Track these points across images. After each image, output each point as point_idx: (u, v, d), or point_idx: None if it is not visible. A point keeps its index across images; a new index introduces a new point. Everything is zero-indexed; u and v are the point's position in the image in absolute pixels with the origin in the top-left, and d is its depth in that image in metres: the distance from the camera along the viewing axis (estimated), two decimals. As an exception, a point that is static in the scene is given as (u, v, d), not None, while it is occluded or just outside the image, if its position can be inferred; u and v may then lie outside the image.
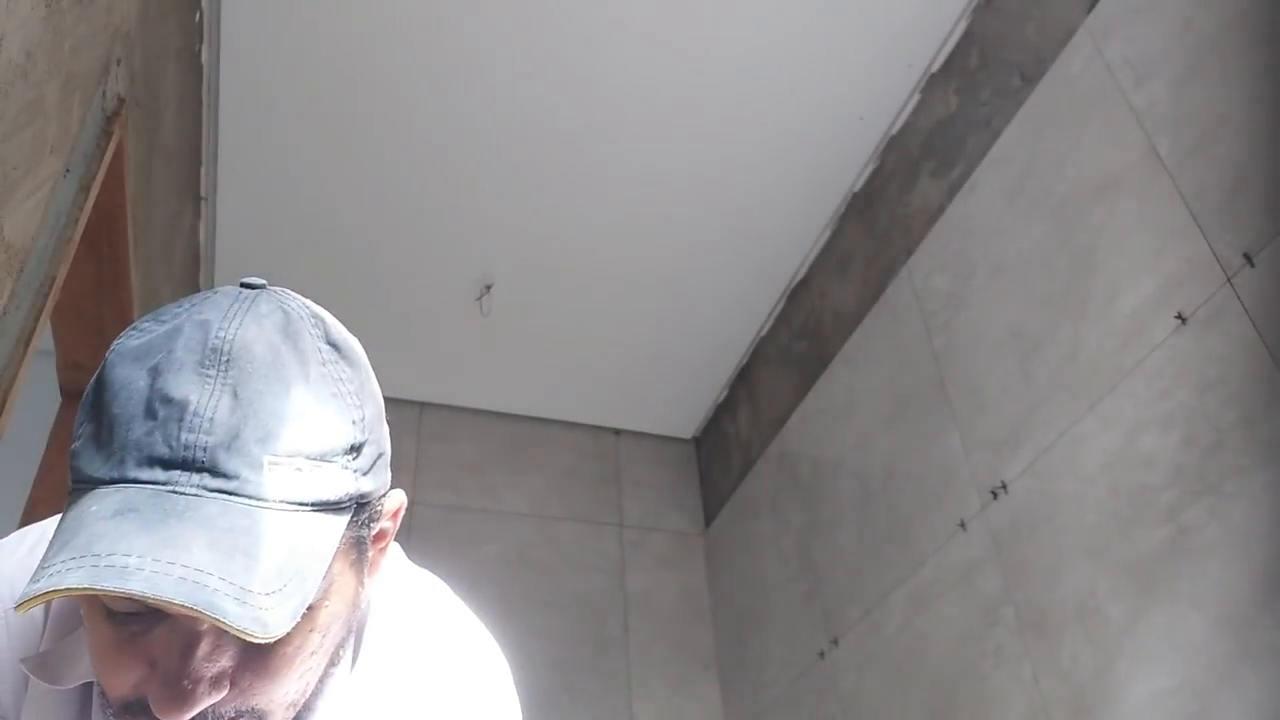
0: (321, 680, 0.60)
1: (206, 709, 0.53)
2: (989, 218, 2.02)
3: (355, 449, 0.57)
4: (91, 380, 0.56)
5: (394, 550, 0.70)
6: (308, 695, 0.59)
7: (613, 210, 2.53)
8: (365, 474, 0.57)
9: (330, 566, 0.55)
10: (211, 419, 0.52)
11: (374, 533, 0.61)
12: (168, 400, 0.52)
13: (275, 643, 0.52)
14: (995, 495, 1.89)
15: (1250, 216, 1.44)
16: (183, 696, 0.52)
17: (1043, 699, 1.70)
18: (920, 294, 2.21)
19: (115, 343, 0.57)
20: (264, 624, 0.49)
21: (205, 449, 0.51)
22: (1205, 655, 1.42)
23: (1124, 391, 1.63)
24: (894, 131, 2.38)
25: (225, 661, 0.53)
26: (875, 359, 2.36)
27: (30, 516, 1.67)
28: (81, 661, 0.63)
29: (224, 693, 0.53)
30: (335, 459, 0.55)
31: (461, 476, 3.01)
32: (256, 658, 0.54)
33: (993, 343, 1.96)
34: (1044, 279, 1.84)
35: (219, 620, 0.48)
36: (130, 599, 0.50)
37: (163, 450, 0.51)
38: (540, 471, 3.11)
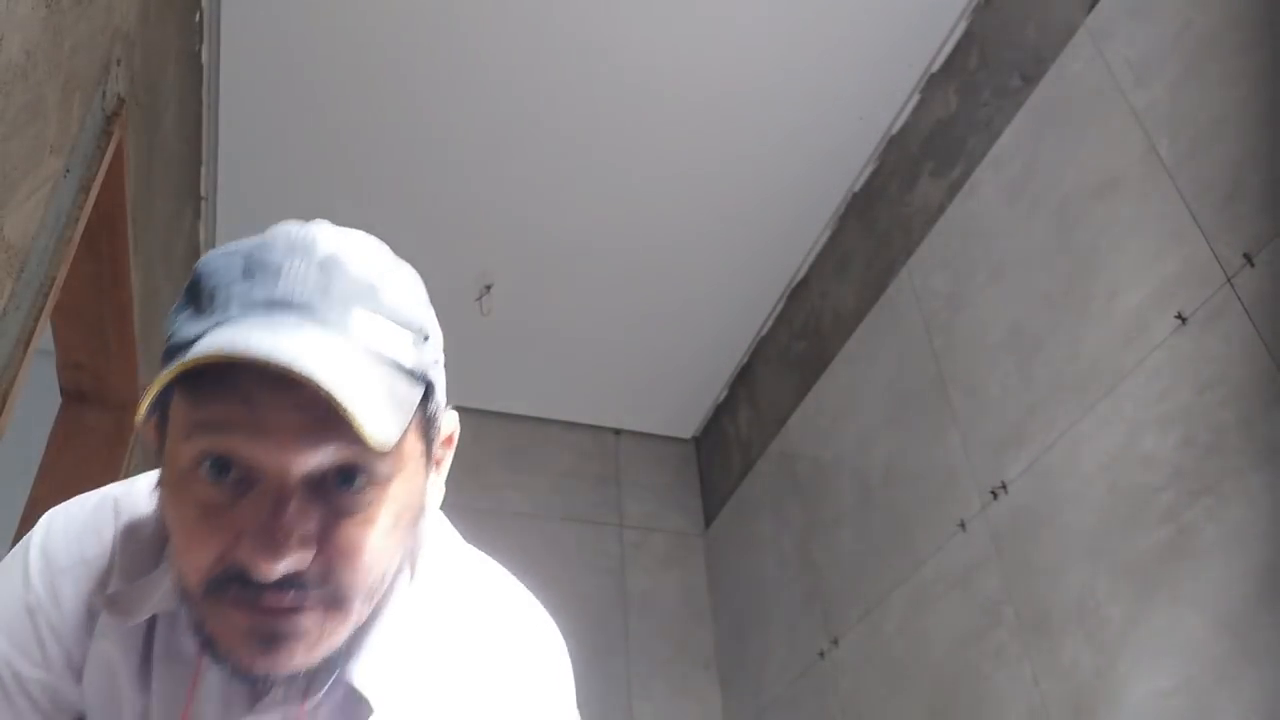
0: (389, 590, 0.63)
1: (292, 577, 0.55)
2: (989, 218, 2.02)
3: (425, 335, 0.62)
4: (185, 286, 0.61)
5: (446, 524, 0.75)
6: (379, 595, 0.61)
7: (613, 210, 2.54)
8: (434, 365, 0.63)
9: (405, 435, 0.58)
10: (304, 277, 0.57)
11: (436, 435, 0.65)
12: (264, 265, 0.57)
13: (357, 514, 0.57)
14: (995, 495, 1.89)
15: (1249, 217, 1.44)
16: (275, 546, 0.54)
17: (1042, 699, 1.70)
18: (920, 294, 2.21)
19: (203, 257, 0.61)
20: (382, 427, 0.53)
21: (301, 295, 0.56)
22: (1204, 655, 1.42)
23: (1124, 391, 1.63)
24: (894, 131, 2.38)
25: (311, 525, 0.56)
26: (875, 359, 2.36)
27: (30, 517, 1.67)
28: (152, 597, 0.66)
29: (311, 553, 0.56)
30: (411, 331, 0.60)
31: (462, 477, 2.98)
32: (339, 526, 0.57)
33: (993, 343, 1.96)
34: (1044, 279, 1.84)
35: (350, 408, 0.51)
36: (234, 450, 0.55)
37: (261, 295, 0.56)
38: (541, 472, 3.11)
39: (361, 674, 0.63)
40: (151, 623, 0.68)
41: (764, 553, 2.75)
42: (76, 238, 1.34)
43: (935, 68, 2.24)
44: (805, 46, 2.19)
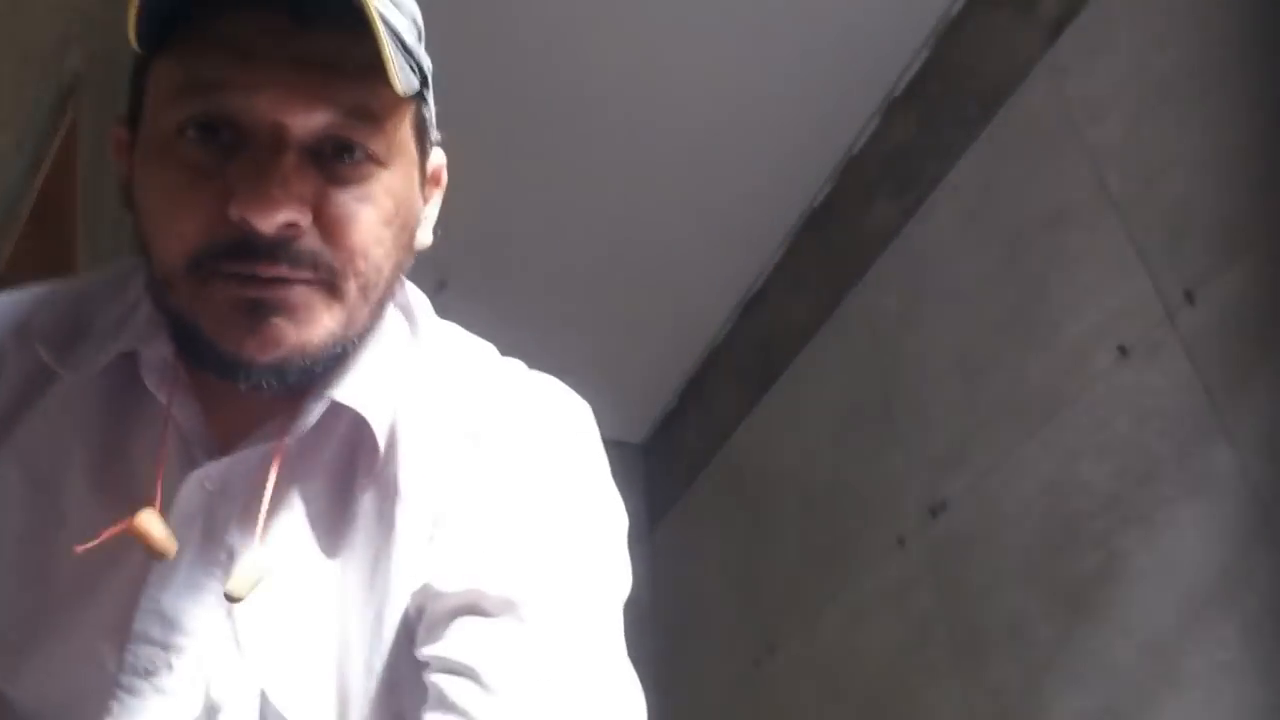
0: (381, 311, 0.60)
1: (287, 243, 0.52)
2: (942, 243, 2.06)
3: (422, 35, 0.59)
4: None
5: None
6: (373, 297, 0.57)
7: (572, 214, 2.54)
8: (428, 68, 0.60)
9: (402, 123, 0.56)
10: None
11: (429, 147, 0.63)
12: None
13: (354, 187, 0.54)
14: (934, 514, 1.93)
15: (1192, 256, 1.49)
16: (271, 198, 0.50)
17: (970, 716, 1.74)
18: (871, 313, 2.25)
19: None
20: (405, 74, 0.52)
21: None
22: (1130, 679, 1.46)
23: (1064, 419, 1.68)
24: (854, 153, 2.41)
25: (308, 186, 0.52)
26: (825, 375, 2.39)
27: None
28: (108, 327, 0.59)
29: (308, 216, 0.52)
30: (416, 23, 0.58)
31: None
32: (335, 196, 0.53)
33: (940, 365, 2.00)
34: (992, 306, 1.88)
35: (376, 22, 0.49)
36: (227, 107, 0.51)
37: None
38: (486, 470, 3.10)
39: (352, 392, 0.58)
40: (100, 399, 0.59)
41: (706, 561, 2.77)
42: (24, 215, 1.31)
43: (897, 92, 2.28)
44: (769, 64, 2.21)
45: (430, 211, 0.65)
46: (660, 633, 2.94)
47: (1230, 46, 1.50)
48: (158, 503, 0.54)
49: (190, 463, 0.57)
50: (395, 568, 0.57)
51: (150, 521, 0.53)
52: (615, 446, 3.41)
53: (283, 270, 0.52)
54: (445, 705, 0.51)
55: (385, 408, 0.59)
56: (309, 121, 0.52)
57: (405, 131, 0.57)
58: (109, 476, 0.58)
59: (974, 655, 1.76)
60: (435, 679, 0.52)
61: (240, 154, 0.52)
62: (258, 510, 0.55)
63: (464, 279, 2.72)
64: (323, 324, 0.54)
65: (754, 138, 2.37)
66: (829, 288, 2.44)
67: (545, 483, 0.61)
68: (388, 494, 0.58)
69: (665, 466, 3.19)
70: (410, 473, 0.59)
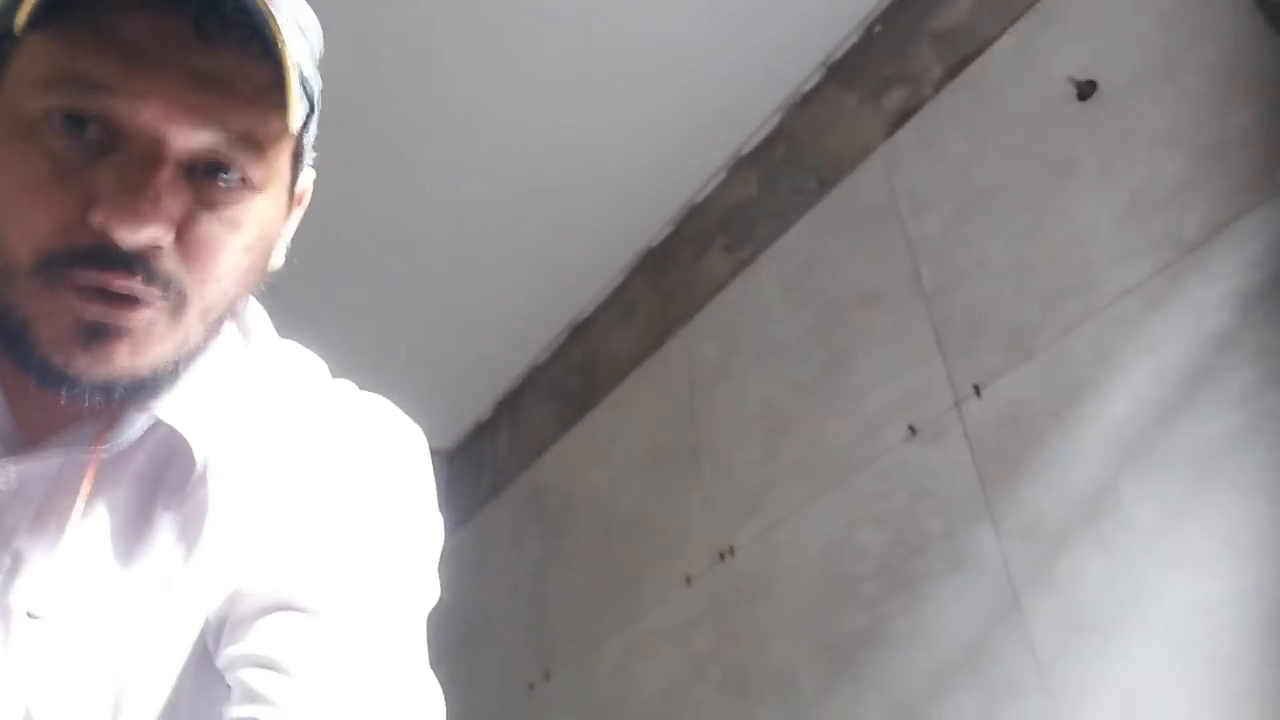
0: (220, 320, 0.57)
1: (145, 259, 0.49)
2: (764, 302, 2.15)
3: (316, 64, 0.58)
4: None
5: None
6: (213, 320, 0.55)
7: (406, 210, 2.50)
8: (318, 94, 0.58)
9: (282, 147, 0.54)
10: None
11: (300, 173, 0.61)
12: None
13: (223, 212, 0.52)
14: (723, 557, 2.00)
15: (985, 353, 1.63)
16: (140, 212, 0.47)
17: (730, 757, 1.81)
18: (692, 357, 2.32)
19: None
20: (298, 105, 0.50)
21: None
22: (876, 736, 1.57)
23: (851, 485, 1.78)
24: (696, 201, 2.49)
25: (178, 205, 0.50)
26: (639, 410, 2.45)
27: None
28: None
29: (171, 236, 0.49)
30: (311, 45, 0.56)
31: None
32: (202, 219, 0.51)
33: (746, 416, 2.09)
34: (801, 368, 1.98)
35: (285, 48, 0.48)
36: (108, 109, 0.48)
37: None
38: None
39: (176, 409, 0.56)
40: None
41: (496, 577, 2.77)
42: None
43: (744, 151, 2.37)
44: (626, 104, 2.26)
45: (288, 231, 0.63)
46: (435, 647, 2.91)
47: (1039, 165, 1.65)
48: None
49: None
50: (192, 585, 0.55)
51: None
52: (421, 452, 3.29)
53: (135, 286, 0.49)
54: (251, 697, 0.50)
55: (207, 425, 0.58)
56: (192, 140, 0.50)
57: (285, 158, 0.56)
58: None
59: (741, 699, 1.84)
60: (240, 675, 0.51)
61: (110, 156, 0.49)
62: (51, 515, 0.53)
63: (292, 262, 2.63)
64: (160, 348, 0.52)
65: (602, 171, 2.41)
66: (655, 327, 2.50)
67: (362, 492, 0.61)
68: (196, 511, 0.57)
69: (469, 477, 3.17)
70: (224, 490, 0.57)
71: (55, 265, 0.49)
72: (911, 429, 1.70)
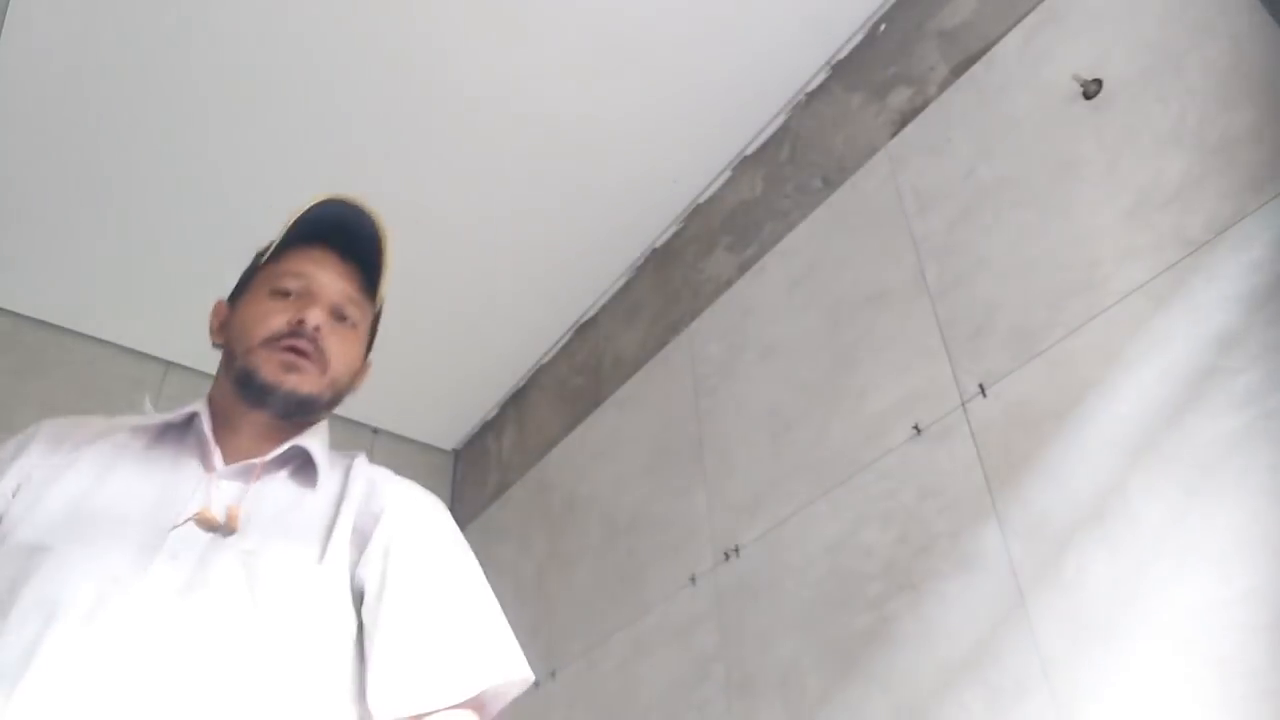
0: (334, 397, 1.14)
1: (315, 335, 1.09)
2: (769, 301, 2.15)
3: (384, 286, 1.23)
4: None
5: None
6: (337, 386, 1.13)
7: (414, 207, 2.51)
8: (385, 278, 1.22)
9: (364, 316, 1.20)
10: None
11: (371, 339, 1.24)
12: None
13: (343, 326, 1.15)
14: (727, 556, 2.00)
15: (990, 353, 1.63)
16: (315, 312, 1.10)
17: (735, 756, 1.81)
18: (696, 356, 2.32)
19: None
20: (381, 285, 1.22)
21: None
22: (881, 735, 1.56)
23: (856, 484, 1.78)
24: (701, 200, 2.49)
25: (326, 322, 1.11)
26: (644, 408, 2.45)
27: None
28: (166, 420, 1.10)
29: (322, 332, 1.10)
30: (385, 277, 1.22)
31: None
32: (336, 327, 1.13)
33: (751, 416, 2.09)
34: (806, 368, 1.98)
35: (386, 260, 1.21)
36: (308, 283, 1.14)
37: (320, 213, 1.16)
38: (288, 457, 2.99)
39: (309, 441, 1.10)
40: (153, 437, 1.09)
41: (501, 576, 2.75)
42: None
43: (749, 151, 2.37)
44: (631, 104, 2.26)
45: (362, 375, 1.23)
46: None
47: (1045, 164, 1.65)
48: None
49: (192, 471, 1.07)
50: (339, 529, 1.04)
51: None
52: (425, 450, 3.35)
53: (308, 348, 1.09)
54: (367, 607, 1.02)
55: (322, 453, 1.12)
56: (333, 298, 1.15)
57: (364, 323, 1.20)
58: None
59: (746, 698, 1.84)
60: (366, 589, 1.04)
61: (302, 300, 1.12)
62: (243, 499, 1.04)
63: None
64: (317, 381, 1.11)
65: (607, 171, 2.41)
66: (660, 326, 2.50)
67: (439, 520, 1.18)
68: (326, 497, 1.08)
69: (474, 476, 3.17)
70: (338, 491, 1.09)
71: (273, 340, 1.09)
72: (917, 428, 1.70)
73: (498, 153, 2.37)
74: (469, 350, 2.95)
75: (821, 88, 2.23)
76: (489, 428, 3.19)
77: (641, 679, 2.11)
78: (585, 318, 2.83)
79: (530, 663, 2.52)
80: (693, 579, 2.07)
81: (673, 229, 2.56)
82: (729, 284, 2.29)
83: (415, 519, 1.10)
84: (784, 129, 2.30)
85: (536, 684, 2.41)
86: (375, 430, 3.20)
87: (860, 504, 1.75)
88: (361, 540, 1.02)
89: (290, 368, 1.06)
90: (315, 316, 1.08)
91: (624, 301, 2.70)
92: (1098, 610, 1.34)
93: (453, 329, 2.87)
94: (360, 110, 2.27)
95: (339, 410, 3.62)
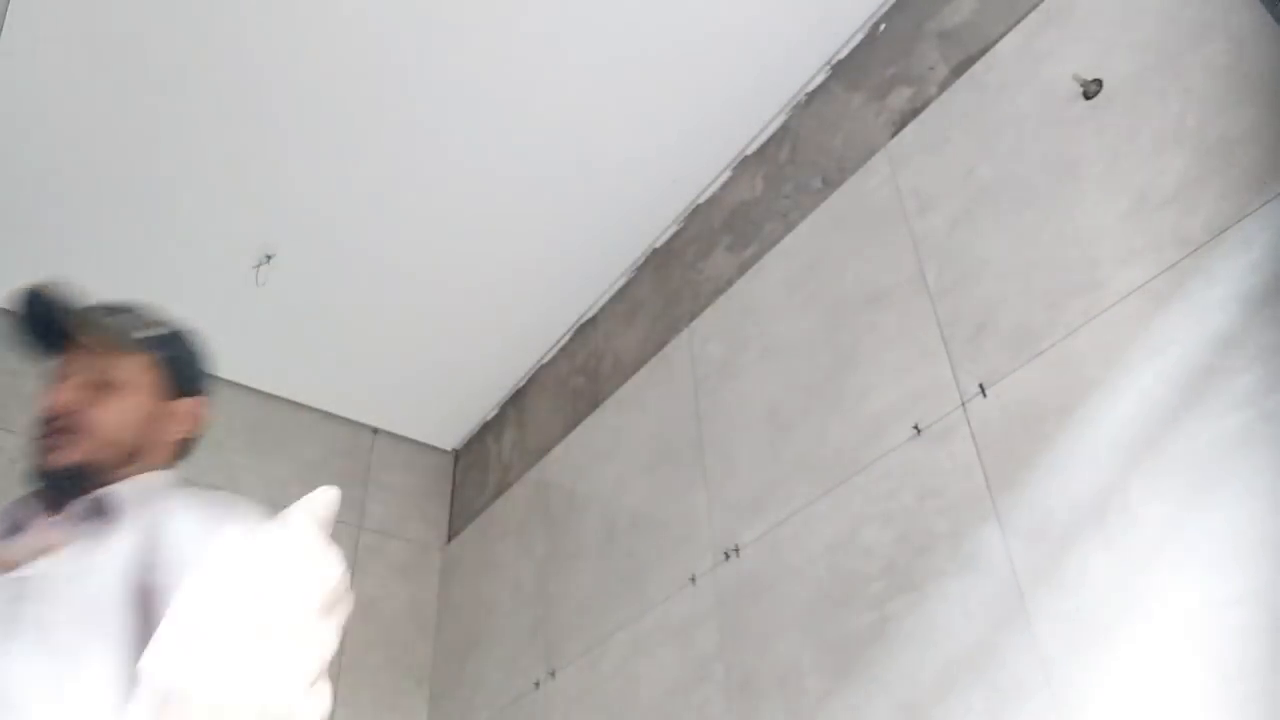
0: (124, 461, 1.17)
1: (66, 406, 1.15)
2: (769, 301, 2.15)
3: (145, 325, 1.27)
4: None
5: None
6: (103, 449, 1.15)
7: (415, 206, 2.51)
8: (161, 344, 1.27)
9: (125, 363, 1.22)
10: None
11: (171, 400, 1.26)
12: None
13: (103, 394, 1.18)
14: (727, 556, 2.00)
15: (990, 353, 1.63)
16: (63, 396, 1.16)
17: (735, 755, 1.81)
18: (696, 356, 2.32)
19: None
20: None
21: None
22: (882, 735, 1.56)
23: (856, 484, 1.78)
24: (701, 200, 2.49)
25: (80, 395, 1.17)
26: (644, 408, 2.45)
27: None
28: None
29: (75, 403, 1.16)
30: (123, 320, 1.25)
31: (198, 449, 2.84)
32: (94, 397, 1.17)
33: (751, 415, 2.09)
34: (806, 368, 1.98)
35: (78, 315, 1.20)
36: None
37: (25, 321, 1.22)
38: (285, 458, 2.98)
39: (104, 491, 1.11)
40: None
41: (501, 576, 2.77)
42: None
43: (749, 151, 2.37)
44: (631, 104, 2.26)
45: (175, 428, 1.30)
46: (440, 645, 2.91)
47: (1044, 164, 1.65)
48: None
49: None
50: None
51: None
52: (425, 450, 3.36)
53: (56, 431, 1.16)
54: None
55: (123, 500, 1.12)
56: (77, 374, 1.20)
57: (134, 365, 1.25)
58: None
59: (746, 698, 1.84)
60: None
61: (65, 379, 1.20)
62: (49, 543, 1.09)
63: (292, 255, 2.63)
64: (69, 452, 1.14)
65: (607, 170, 2.41)
66: (660, 326, 2.50)
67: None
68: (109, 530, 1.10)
69: (474, 476, 3.17)
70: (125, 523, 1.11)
71: (44, 423, 1.16)
72: (917, 428, 1.70)
73: (498, 153, 2.37)
74: (469, 350, 2.95)
75: (821, 88, 2.23)
76: (489, 428, 3.19)
77: (641, 679, 2.11)
78: (585, 318, 2.83)
79: (530, 662, 2.51)
80: (693, 579, 2.07)
81: (673, 229, 2.56)
82: (729, 284, 2.29)
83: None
84: (784, 129, 2.30)
85: (537, 684, 2.43)
86: (375, 430, 3.20)
87: (860, 504, 1.75)
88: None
89: (49, 450, 1.14)
90: (62, 394, 1.17)
91: (624, 301, 2.70)
92: (1098, 610, 1.34)
93: (453, 329, 2.87)
94: (360, 110, 2.27)
95: (340, 410, 3.60)
